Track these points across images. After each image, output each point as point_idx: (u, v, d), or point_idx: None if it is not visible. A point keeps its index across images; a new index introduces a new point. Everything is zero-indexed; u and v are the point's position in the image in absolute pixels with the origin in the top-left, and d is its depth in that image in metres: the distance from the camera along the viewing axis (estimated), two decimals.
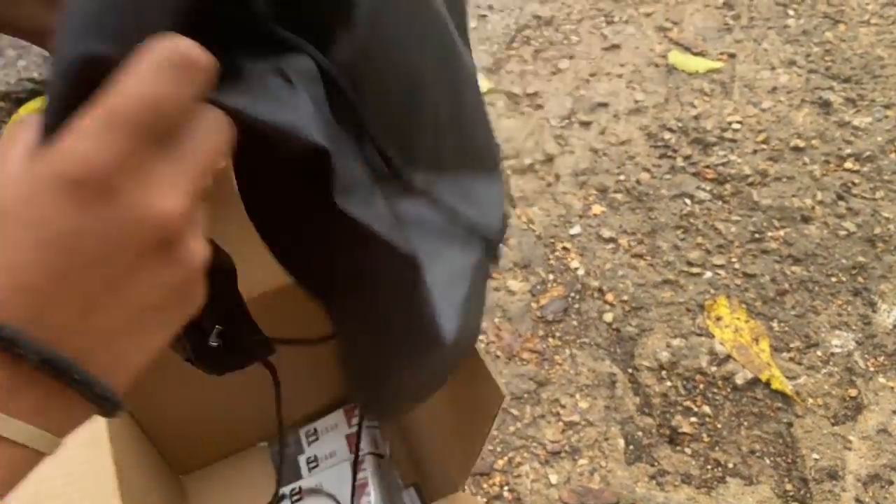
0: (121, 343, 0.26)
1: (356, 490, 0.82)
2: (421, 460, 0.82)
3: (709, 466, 0.90)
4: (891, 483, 0.87)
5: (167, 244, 0.25)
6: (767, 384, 0.95)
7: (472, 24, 1.41)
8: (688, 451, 0.91)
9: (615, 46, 1.37)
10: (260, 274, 0.58)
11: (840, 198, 1.13)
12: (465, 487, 0.77)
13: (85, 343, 0.25)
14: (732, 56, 1.35)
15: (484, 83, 1.31)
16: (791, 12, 1.44)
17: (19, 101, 1.26)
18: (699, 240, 1.09)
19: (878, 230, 1.09)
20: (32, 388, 0.25)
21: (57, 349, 0.24)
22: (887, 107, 1.25)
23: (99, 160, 0.22)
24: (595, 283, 1.06)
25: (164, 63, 0.22)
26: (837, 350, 0.98)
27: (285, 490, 0.86)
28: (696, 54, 1.35)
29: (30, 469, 0.26)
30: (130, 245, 0.24)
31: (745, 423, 0.93)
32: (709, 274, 1.06)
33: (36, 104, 1.25)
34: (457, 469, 0.59)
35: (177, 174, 0.24)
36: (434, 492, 0.78)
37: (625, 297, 1.04)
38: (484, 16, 1.42)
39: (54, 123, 0.23)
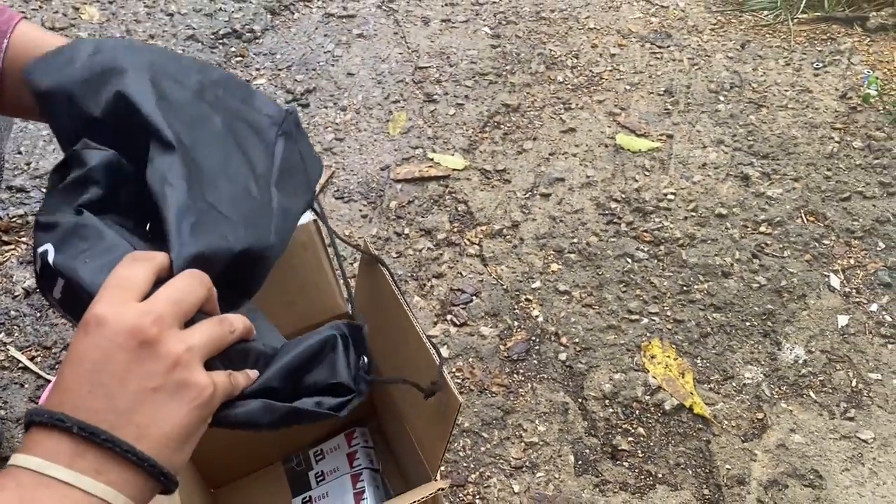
0: (138, 416, 0.41)
1: (356, 497, 1.02)
2: (404, 468, 1.02)
3: (642, 476, 1.10)
4: (786, 486, 1.08)
5: (147, 344, 0.42)
6: (691, 409, 1.17)
7: (451, 111, 1.66)
8: (625, 464, 1.12)
9: (571, 130, 1.62)
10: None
11: (755, 256, 1.37)
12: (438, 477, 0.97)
13: (113, 419, 0.41)
14: (670, 137, 1.60)
15: (461, 161, 1.55)
16: (721, 98, 1.70)
17: None
18: (638, 292, 1.32)
19: (784, 283, 1.33)
20: (91, 454, 0.40)
21: (92, 423, 0.40)
22: (796, 179, 1.50)
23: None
24: (552, 329, 1.28)
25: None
26: (749, 381, 1.20)
27: (297, 499, 1.06)
28: (639, 136, 1.60)
29: None
30: (122, 349, 0.42)
31: (672, 442, 1.14)
32: (645, 320, 1.28)
33: None
34: (430, 463, 0.79)
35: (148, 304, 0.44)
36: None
37: (576, 340, 1.26)
38: (461, 104, 1.68)
39: None
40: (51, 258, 0.49)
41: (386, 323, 0.82)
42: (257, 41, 1.83)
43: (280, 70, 1.76)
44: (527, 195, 1.49)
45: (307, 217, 1.14)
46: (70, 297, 0.48)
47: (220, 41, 1.82)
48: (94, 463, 0.40)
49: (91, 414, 0.41)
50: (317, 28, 1.88)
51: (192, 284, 0.47)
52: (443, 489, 0.70)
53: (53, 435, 0.40)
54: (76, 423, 0.40)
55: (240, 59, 1.78)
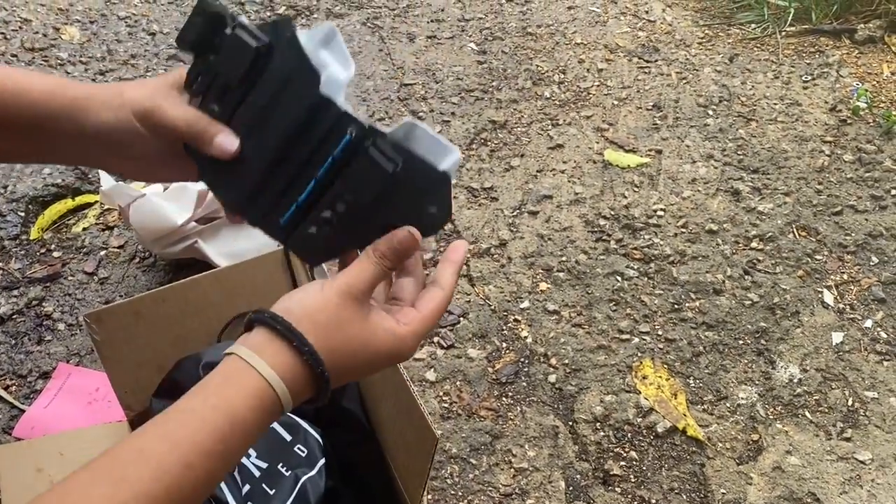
0: (342, 377, 0.49)
1: None
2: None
3: (635, 502, 1.07)
4: None
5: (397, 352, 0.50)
6: (684, 432, 1.14)
7: (437, 128, 1.64)
8: (618, 489, 1.09)
9: (559, 146, 1.60)
10: None
11: (746, 273, 1.34)
12: None
13: (331, 363, 0.48)
14: (659, 152, 1.58)
15: None
16: (710, 112, 1.68)
17: (45, 204, 1.46)
18: (628, 311, 1.29)
19: (776, 299, 1.30)
20: (294, 367, 0.47)
21: (319, 358, 0.47)
22: (787, 194, 1.48)
23: (360, 281, 0.49)
24: (541, 350, 1.25)
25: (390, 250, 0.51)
26: (743, 402, 1.17)
27: None
28: (628, 151, 1.58)
29: (274, 417, 0.47)
30: (364, 331, 0.49)
31: (666, 465, 1.11)
32: (636, 340, 1.25)
33: (58, 207, 1.45)
34: (412, 496, 0.76)
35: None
36: None
37: (566, 361, 1.23)
38: (447, 121, 1.66)
39: None
40: None
41: None
42: None
43: None
44: (514, 213, 1.47)
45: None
46: None
47: None
48: (289, 369, 0.47)
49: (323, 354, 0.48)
50: None
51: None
52: None
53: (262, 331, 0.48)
54: (313, 352, 0.47)
55: None
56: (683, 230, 1.42)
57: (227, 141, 0.52)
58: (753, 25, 1.93)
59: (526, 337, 1.27)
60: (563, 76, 1.78)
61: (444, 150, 0.50)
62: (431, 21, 1.94)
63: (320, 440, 0.84)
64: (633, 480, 1.09)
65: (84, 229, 1.41)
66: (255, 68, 0.51)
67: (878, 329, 1.26)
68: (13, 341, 1.25)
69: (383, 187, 0.49)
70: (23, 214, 1.42)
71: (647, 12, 1.98)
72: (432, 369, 1.22)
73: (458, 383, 1.21)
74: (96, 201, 1.46)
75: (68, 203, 1.45)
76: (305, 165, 0.51)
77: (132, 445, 0.42)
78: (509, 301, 1.32)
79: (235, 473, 0.77)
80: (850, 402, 1.17)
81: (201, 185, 1.28)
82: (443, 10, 1.97)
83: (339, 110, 0.49)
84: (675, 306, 1.30)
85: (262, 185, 0.53)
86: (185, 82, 0.54)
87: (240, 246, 1.24)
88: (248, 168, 0.53)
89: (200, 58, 0.53)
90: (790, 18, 1.91)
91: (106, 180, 1.28)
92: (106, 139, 0.55)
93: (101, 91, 0.54)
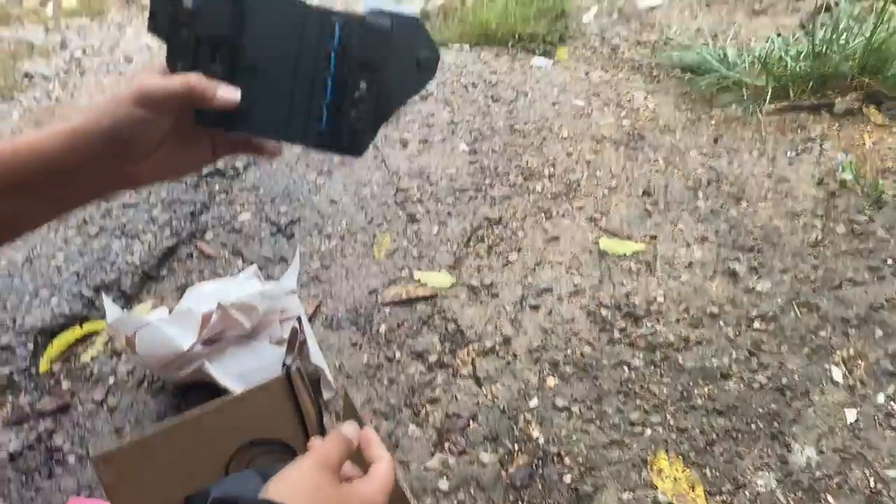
0: None
1: None
2: None
3: None
4: None
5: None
6: None
7: (434, 229, 1.68)
8: None
9: (555, 238, 1.63)
10: None
11: (752, 354, 1.34)
12: None
13: None
14: (654, 238, 1.61)
15: (447, 278, 1.55)
16: (700, 195, 1.72)
17: (53, 334, 1.48)
18: (638, 402, 1.29)
19: (785, 380, 1.30)
20: None
21: None
22: (784, 271, 1.49)
23: (332, 458, 0.57)
24: (554, 449, 1.24)
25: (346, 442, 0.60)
26: (762, 489, 1.15)
27: None
28: (622, 239, 1.61)
29: None
30: (340, 494, 0.55)
31: None
32: (649, 432, 1.24)
33: (66, 336, 1.46)
34: None
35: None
36: None
37: (580, 459, 1.22)
38: (444, 222, 1.69)
39: None
40: None
41: None
42: (240, 177, 1.87)
43: (264, 203, 1.78)
44: (516, 308, 1.48)
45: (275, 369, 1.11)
46: None
47: (204, 180, 1.85)
48: None
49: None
50: (298, 160, 1.93)
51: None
52: None
53: None
54: None
55: (224, 195, 1.81)
56: (685, 315, 1.43)
57: (228, 91, 0.57)
58: (734, 106, 2.00)
59: (538, 437, 1.26)
60: (552, 170, 1.82)
61: (402, 8, 0.59)
62: (423, 126, 2.01)
63: None
64: None
65: (93, 358, 1.43)
66: (238, 8, 0.57)
67: (892, 403, 1.25)
68: (23, 478, 1.25)
69: (387, 46, 0.57)
70: (31, 347, 1.44)
71: (629, 101, 2.05)
72: (445, 478, 1.20)
73: (472, 491, 1.19)
74: (104, 328, 1.48)
75: (76, 332, 1.47)
76: (316, 71, 0.58)
77: None
78: (518, 399, 1.32)
79: None
80: (871, 483, 1.15)
81: (205, 308, 1.30)
82: (433, 115, 2.05)
83: (318, 12, 0.57)
84: (684, 394, 1.29)
85: (290, 109, 0.59)
86: (167, 61, 0.58)
87: (246, 365, 1.25)
88: (269, 101, 0.59)
89: (174, 35, 0.57)
90: (769, 97, 1.97)
91: (111, 312, 1.30)
92: (112, 148, 0.56)
93: (89, 109, 0.58)
